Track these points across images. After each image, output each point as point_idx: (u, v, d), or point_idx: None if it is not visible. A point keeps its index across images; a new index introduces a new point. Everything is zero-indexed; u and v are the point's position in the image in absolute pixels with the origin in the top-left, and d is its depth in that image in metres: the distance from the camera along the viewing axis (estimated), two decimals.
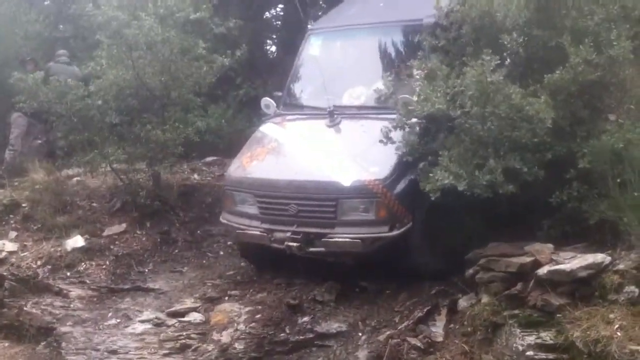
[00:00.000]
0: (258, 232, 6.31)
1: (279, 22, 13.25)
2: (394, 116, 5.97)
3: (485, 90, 5.40)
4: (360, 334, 5.86)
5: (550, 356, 4.82)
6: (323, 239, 5.99)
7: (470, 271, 5.73)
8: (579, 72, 5.37)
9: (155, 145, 7.87)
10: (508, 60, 5.84)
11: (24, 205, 8.17)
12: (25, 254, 7.49)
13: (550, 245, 5.38)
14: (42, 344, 6.56)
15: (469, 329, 5.54)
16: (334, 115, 6.52)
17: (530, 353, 4.88)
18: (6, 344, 6.84)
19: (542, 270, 5.10)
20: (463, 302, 5.81)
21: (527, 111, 5.28)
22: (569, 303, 4.95)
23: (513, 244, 5.56)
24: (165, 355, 6.01)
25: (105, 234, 7.69)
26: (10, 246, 7.52)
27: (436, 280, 6.19)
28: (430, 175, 5.50)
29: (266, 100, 7.13)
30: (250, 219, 6.42)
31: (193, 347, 6.04)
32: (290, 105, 7.26)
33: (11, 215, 8.10)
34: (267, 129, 7.03)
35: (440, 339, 5.61)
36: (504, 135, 5.41)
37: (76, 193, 8.33)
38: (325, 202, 6.01)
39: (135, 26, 7.71)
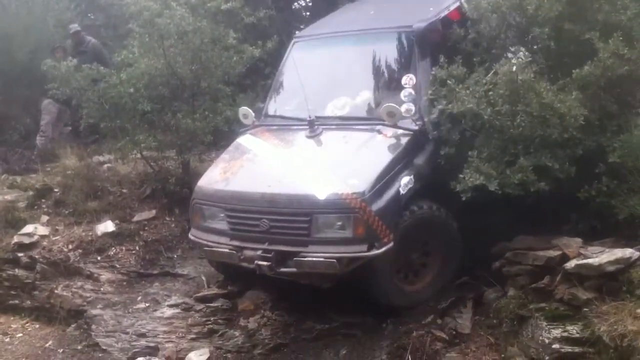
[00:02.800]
0: (227, 250, 5.72)
1: (308, 13, 13.27)
2: (378, 127, 5.85)
3: (516, 89, 5.41)
4: (385, 325, 5.87)
5: (577, 350, 4.85)
6: (295, 259, 5.38)
7: (497, 264, 5.77)
8: (608, 66, 5.34)
9: (185, 133, 7.93)
10: (538, 54, 5.84)
11: (55, 190, 8.29)
12: (56, 238, 7.60)
13: (579, 239, 5.38)
14: (73, 326, 6.74)
15: (494, 321, 5.60)
16: (314, 125, 6.09)
17: (556, 346, 4.91)
18: (37, 326, 7.04)
19: (570, 264, 5.12)
20: (489, 295, 5.85)
21: (558, 109, 5.27)
22: (596, 297, 4.96)
23: (540, 238, 5.58)
24: (192, 339, 6.12)
25: (135, 219, 7.78)
26: (42, 230, 7.64)
27: (461, 273, 6.21)
28: (460, 176, 5.47)
29: (244, 110, 6.67)
30: (220, 235, 5.84)
31: (220, 332, 6.15)
32: (271, 116, 6.81)
33: (43, 200, 8.21)
34: (243, 140, 6.56)
35: (466, 331, 5.63)
36: (534, 132, 5.39)
37: (107, 179, 8.42)
38: (298, 217, 5.42)
39: (167, 15, 7.76)
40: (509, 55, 5.94)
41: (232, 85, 8.46)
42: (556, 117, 5.28)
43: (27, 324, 7.08)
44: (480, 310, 5.79)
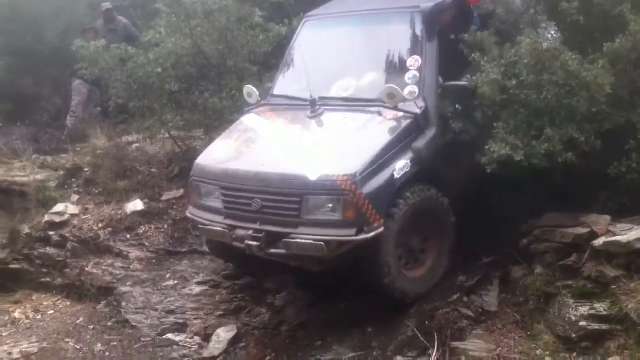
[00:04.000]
0: (220, 229, 5.64)
1: None
2: (379, 109, 5.73)
3: (541, 58, 5.33)
4: (411, 304, 5.84)
5: (604, 327, 4.82)
6: (285, 240, 5.28)
7: (525, 241, 5.72)
8: (639, 40, 5.24)
9: (212, 112, 7.95)
10: (567, 30, 5.75)
11: (86, 169, 8.40)
12: (87, 216, 7.72)
13: (607, 217, 5.32)
14: (103, 303, 6.85)
15: (521, 299, 5.55)
16: (316, 106, 5.96)
17: (583, 323, 4.88)
18: (68, 303, 7.17)
19: (598, 242, 5.08)
20: (516, 273, 5.78)
21: (584, 77, 5.18)
22: (624, 275, 4.92)
23: (569, 215, 5.53)
24: (220, 316, 6.20)
25: (163, 198, 7.85)
26: (72, 209, 7.77)
27: (488, 251, 6.18)
28: (486, 147, 5.40)
29: (248, 89, 6.56)
30: (214, 213, 5.77)
31: (247, 310, 6.21)
32: (277, 95, 6.66)
33: (74, 180, 8.34)
34: (246, 119, 6.47)
35: (492, 308, 5.58)
36: (561, 103, 5.31)
37: (136, 159, 8.50)
38: (290, 197, 5.30)
39: None
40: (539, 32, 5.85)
41: (259, 64, 8.45)
42: (582, 88, 5.19)
43: (59, 302, 7.21)
44: (507, 288, 5.74)
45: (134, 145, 8.96)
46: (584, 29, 5.66)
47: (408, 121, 5.62)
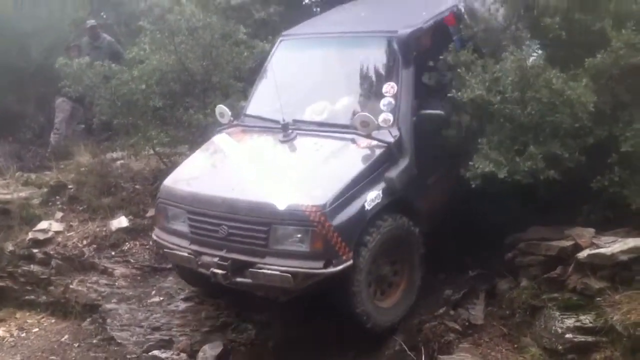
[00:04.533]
0: (186, 254, 5.50)
1: (319, 9, 13.29)
2: (353, 136, 5.58)
3: (525, 75, 5.41)
4: None
5: (590, 339, 4.88)
6: (251, 269, 5.15)
7: (510, 255, 5.77)
8: (620, 56, 5.32)
9: (197, 129, 7.94)
10: (549, 46, 5.82)
11: (70, 186, 8.34)
12: (71, 233, 7.65)
13: (592, 230, 5.40)
14: (88, 320, 6.79)
15: (507, 312, 5.61)
16: (288, 130, 5.80)
17: (569, 336, 4.93)
18: (53, 321, 7.11)
19: (583, 254, 5.14)
20: (502, 286, 5.84)
21: (568, 95, 5.26)
22: (608, 287, 4.99)
23: (553, 228, 5.61)
24: (206, 332, 6.14)
25: (148, 215, 7.79)
26: (56, 226, 7.70)
27: (474, 264, 6.22)
28: (470, 163, 5.44)
29: (220, 108, 6.38)
30: (180, 238, 5.61)
31: (233, 326, 6.17)
32: (250, 116, 6.47)
33: (57, 197, 8.27)
34: (218, 139, 6.30)
35: (479, 322, 5.63)
36: (544, 120, 5.38)
37: (120, 175, 8.45)
38: (257, 226, 5.15)
39: (177, 12, 7.83)
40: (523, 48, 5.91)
41: (243, 81, 8.48)
42: (566, 105, 5.27)
43: (43, 319, 7.13)
44: (493, 301, 5.79)
45: (118, 162, 8.92)
46: (565, 44, 5.75)
47: (381, 150, 5.48)
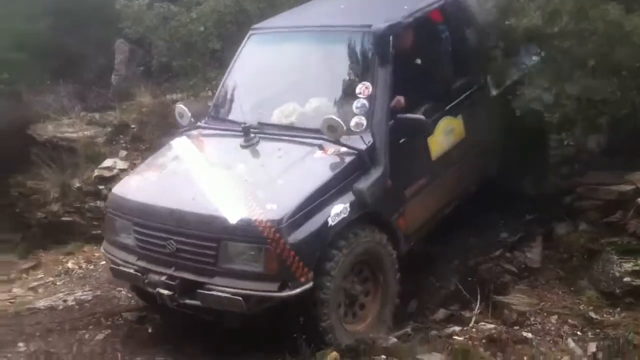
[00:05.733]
0: (132, 271, 4.93)
1: None
2: (320, 142, 4.93)
3: (583, 5, 5.24)
4: (452, 259, 5.98)
5: None
6: (199, 290, 4.57)
7: (568, 199, 5.77)
8: None
9: None
10: None
11: (132, 126, 8.59)
12: None
13: None
14: None
15: (564, 255, 5.62)
16: (250, 134, 5.18)
17: (627, 279, 4.96)
18: None
19: None
20: (560, 230, 5.83)
21: (624, 27, 5.06)
22: None
23: (613, 173, 5.55)
24: None
25: None
26: (121, 164, 7.99)
27: (531, 208, 6.24)
28: (518, 93, 5.34)
29: (179, 109, 5.74)
30: (128, 252, 5.04)
31: None
32: (213, 117, 5.84)
33: (121, 136, 8.55)
34: (176, 143, 5.69)
35: (535, 265, 5.65)
36: (601, 53, 5.19)
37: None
38: (206, 242, 4.57)
39: None
40: None
41: None
42: (625, 41, 5.07)
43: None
44: (550, 245, 5.79)
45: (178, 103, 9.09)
46: None
47: (351, 158, 4.84)
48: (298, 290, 4.40)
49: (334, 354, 4.38)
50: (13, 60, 9.38)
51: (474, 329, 4.85)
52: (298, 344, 4.47)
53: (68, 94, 9.65)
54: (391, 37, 5.14)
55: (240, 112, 5.49)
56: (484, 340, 4.62)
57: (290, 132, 5.24)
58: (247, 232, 4.45)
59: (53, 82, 9.72)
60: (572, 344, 4.56)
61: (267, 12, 8.13)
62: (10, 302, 6.44)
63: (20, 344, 5.32)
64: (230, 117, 5.69)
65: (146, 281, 4.82)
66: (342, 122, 4.78)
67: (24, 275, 7.31)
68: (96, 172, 7.88)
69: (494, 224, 6.27)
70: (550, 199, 6.08)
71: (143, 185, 5.28)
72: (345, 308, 4.86)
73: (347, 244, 4.64)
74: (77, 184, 7.94)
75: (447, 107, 5.58)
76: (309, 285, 4.44)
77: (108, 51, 10.80)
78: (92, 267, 7.19)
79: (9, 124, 8.86)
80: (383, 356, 4.44)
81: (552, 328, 4.83)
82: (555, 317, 4.95)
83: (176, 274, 4.68)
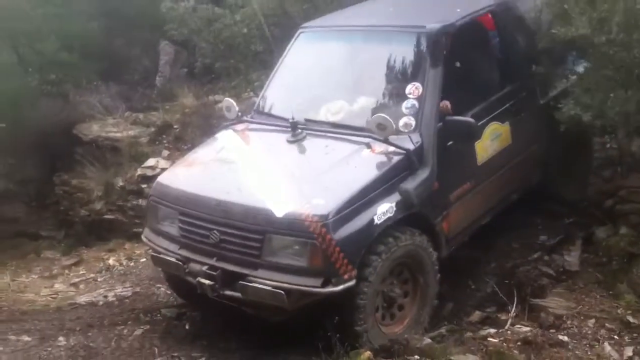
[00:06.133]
0: (174, 260, 4.93)
1: None
2: (368, 140, 4.92)
3: (635, 16, 5.21)
4: (489, 261, 5.93)
5: None
6: (241, 282, 4.56)
7: (610, 202, 5.68)
8: None
9: None
10: None
11: (175, 127, 8.73)
12: None
13: None
14: None
15: (604, 259, 5.54)
16: (297, 129, 5.19)
17: None
18: None
19: None
20: (600, 233, 5.75)
21: None
22: None
23: None
24: None
25: None
26: (163, 163, 8.10)
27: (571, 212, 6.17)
28: (560, 105, 5.30)
29: (227, 102, 5.84)
30: (170, 241, 5.06)
31: None
32: (260, 112, 5.87)
33: (164, 136, 8.69)
34: (222, 135, 5.76)
35: (574, 268, 5.58)
36: None
37: (222, 117, 8.73)
38: (251, 234, 4.56)
39: None
40: None
41: None
42: None
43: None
44: (589, 248, 5.73)
45: (220, 104, 9.21)
46: None
47: (398, 157, 4.81)
48: (341, 287, 4.37)
49: (368, 353, 4.38)
50: (63, 60, 9.64)
51: (509, 332, 4.80)
52: (332, 343, 4.48)
53: (113, 94, 9.87)
54: (444, 38, 5.15)
55: (287, 108, 5.45)
56: (519, 343, 4.56)
57: (337, 129, 5.24)
58: (293, 226, 4.43)
59: (99, 83, 9.94)
60: (608, 348, 4.50)
61: (310, 14, 8.23)
62: (52, 298, 6.62)
63: (61, 338, 5.45)
64: (277, 112, 5.69)
65: (187, 270, 4.84)
66: (392, 121, 4.77)
67: (66, 272, 7.52)
68: (139, 171, 8.03)
69: (533, 227, 6.21)
70: (592, 202, 6.00)
71: (189, 175, 5.32)
72: (383, 311, 4.82)
73: (386, 249, 4.60)
74: (120, 182, 8.11)
75: (495, 113, 5.54)
76: (352, 282, 4.41)
77: (153, 53, 11.02)
78: (132, 264, 7.33)
79: (56, 123, 9.15)
80: (417, 356, 4.41)
81: (589, 332, 4.76)
82: (593, 320, 4.87)
83: (218, 264, 4.68)
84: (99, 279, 7.12)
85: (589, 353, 4.50)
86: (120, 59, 10.92)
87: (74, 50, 9.81)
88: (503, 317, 5.15)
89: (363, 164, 4.85)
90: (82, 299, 6.42)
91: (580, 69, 5.77)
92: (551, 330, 4.81)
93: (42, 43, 9.64)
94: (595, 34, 5.25)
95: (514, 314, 5.12)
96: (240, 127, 5.75)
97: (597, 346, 4.57)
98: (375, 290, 4.62)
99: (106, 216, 8.19)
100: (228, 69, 8.71)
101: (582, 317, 4.94)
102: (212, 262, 4.71)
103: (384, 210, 4.59)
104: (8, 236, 9.08)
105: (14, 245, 8.87)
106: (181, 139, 8.50)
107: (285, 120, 5.30)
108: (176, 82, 10.48)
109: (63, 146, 9.24)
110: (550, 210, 6.23)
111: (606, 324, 4.82)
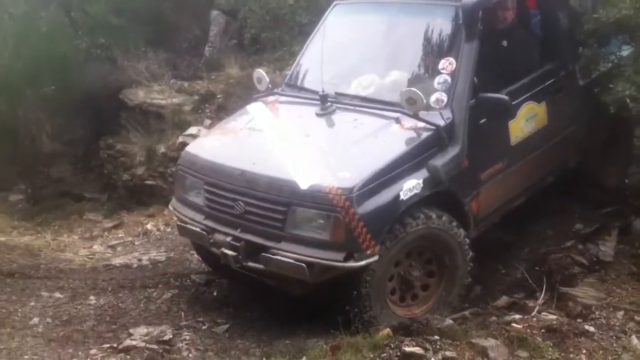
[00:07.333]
0: (199, 229, 4.97)
1: None
2: (398, 115, 4.86)
3: None
4: (522, 247, 5.85)
5: None
6: (264, 254, 4.56)
7: None
8: None
9: None
10: None
11: (218, 96, 8.80)
12: None
13: None
14: None
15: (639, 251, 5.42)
16: (327, 102, 5.13)
17: None
18: None
19: None
20: (637, 224, 5.63)
21: None
22: None
23: None
24: None
25: None
26: (204, 132, 8.12)
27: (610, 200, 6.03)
28: (611, 86, 5.15)
29: (258, 74, 5.79)
30: (195, 211, 5.09)
31: None
32: (291, 85, 5.82)
33: (207, 105, 8.77)
34: (252, 107, 5.71)
35: (607, 258, 5.45)
36: None
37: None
38: (275, 205, 4.54)
39: None
40: None
41: None
42: None
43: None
44: (625, 239, 5.59)
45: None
46: None
47: (428, 133, 4.73)
48: (363, 262, 4.36)
49: (387, 330, 4.38)
50: (111, 25, 9.78)
51: (534, 319, 4.72)
52: (350, 318, 4.51)
53: (160, 61, 9.97)
54: (480, 13, 4.99)
55: (318, 81, 5.31)
56: (543, 330, 4.49)
57: (367, 103, 5.16)
58: (317, 198, 4.41)
59: (147, 49, 10.05)
60: (635, 341, 4.39)
61: None
62: (89, 258, 6.80)
63: (92, 297, 5.60)
64: (308, 85, 5.65)
65: (211, 241, 4.87)
66: (422, 96, 4.65)
67: (106, 234, 7.71)
68: (180, 139, 8.13)
69: (569, 214, 6.08)
70: (631, 192, 5.84)
71: (217, 145, 5.33)
72: (401, 292, 4.81)
73: (413, 222, 4.57)
74: (162, 149, 8.23)
75: (531, 92, 5.40)
76: (375, 258, 4.39)
77: (203, 21, 11.09)
78: (169, 229, 7.44)
79: (103, 87, 9.32)
80: (436, 337, 4.38)
81: (617, 323, 4.65)
82: (622, 312, 4.76)
83: (242, 235, 4.70)
84: (136, 243, 7.29)
85: (614, 345, 4.39)
86: (169, 27, 11.03)
87: (124, 14, 9.92)
88: (530, 304, 5.06)
89: (391, 139, 4.78)
90: (117, 261, 6.58)
91: (625, 53, 5.59)
92: (578, 320, 4.70)
93: (92, 5, 9.77)
94: (638, 15, 5.08)
95: (542, 301, 5.03)
96: (270, 99, 5.75)
97: (623, 338, 4.46)
98: (382, 273, 4.60)
99: (147, 181, 8.33)
100: (273, 40, 8.71)
101: (611, 309, 4.83)
102: (236, 233, 4.73)
103: (410, 186, 4.53)
104: (54, 196, 9.36)
105: (58, 205, 9.13)
106: (224, 109, 8.55)
107: (316, 93, 5.26)
108: (225, 52, 10.54)
109: (109, 110, 9.42)
110: (588, 198, 6.09)
111: (635, 317, 4.70)
